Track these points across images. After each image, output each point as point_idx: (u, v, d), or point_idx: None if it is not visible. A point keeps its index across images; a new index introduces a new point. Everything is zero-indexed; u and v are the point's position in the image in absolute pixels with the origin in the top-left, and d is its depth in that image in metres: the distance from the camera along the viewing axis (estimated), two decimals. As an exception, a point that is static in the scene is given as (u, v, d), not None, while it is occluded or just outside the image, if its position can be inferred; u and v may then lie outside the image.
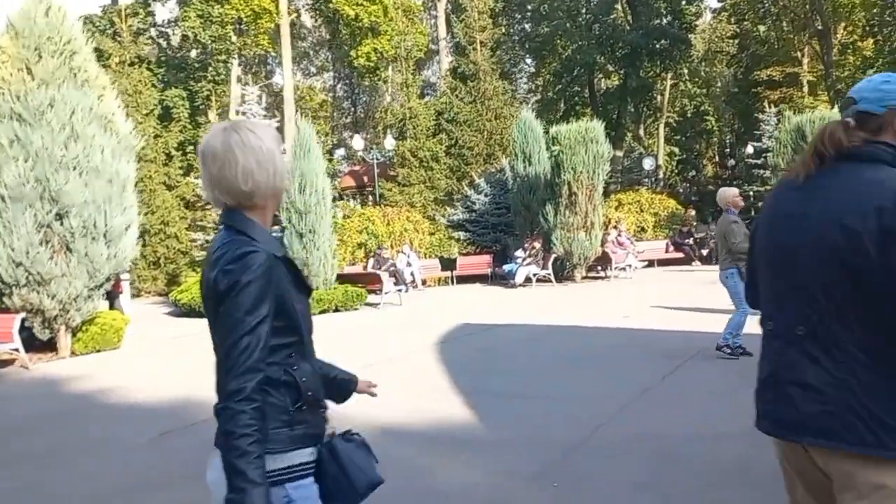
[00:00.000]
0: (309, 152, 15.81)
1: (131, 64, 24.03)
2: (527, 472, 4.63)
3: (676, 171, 39.89)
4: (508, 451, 5.08)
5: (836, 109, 20.07)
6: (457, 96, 25.01)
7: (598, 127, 17.33)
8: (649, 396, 6.26)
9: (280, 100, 31.02)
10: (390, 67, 33.53)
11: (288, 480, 1.76)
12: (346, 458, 1.84)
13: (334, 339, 11.20)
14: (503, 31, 29.97)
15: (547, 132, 18.50)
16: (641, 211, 22.74)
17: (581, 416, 5.85)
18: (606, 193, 19.93)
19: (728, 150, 39.98)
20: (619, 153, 32.41)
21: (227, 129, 1.82)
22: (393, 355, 9.38)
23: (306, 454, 1.81)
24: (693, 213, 24.45)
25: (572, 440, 5.23)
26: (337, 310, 15.04)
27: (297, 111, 28.67)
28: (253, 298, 1.67)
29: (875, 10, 25.08)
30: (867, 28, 26.11)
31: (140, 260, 19.82)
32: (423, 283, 19.34)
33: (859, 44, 27.21)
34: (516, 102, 26.86)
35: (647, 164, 28.57)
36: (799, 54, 30.58)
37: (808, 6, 27.10)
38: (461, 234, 21.32)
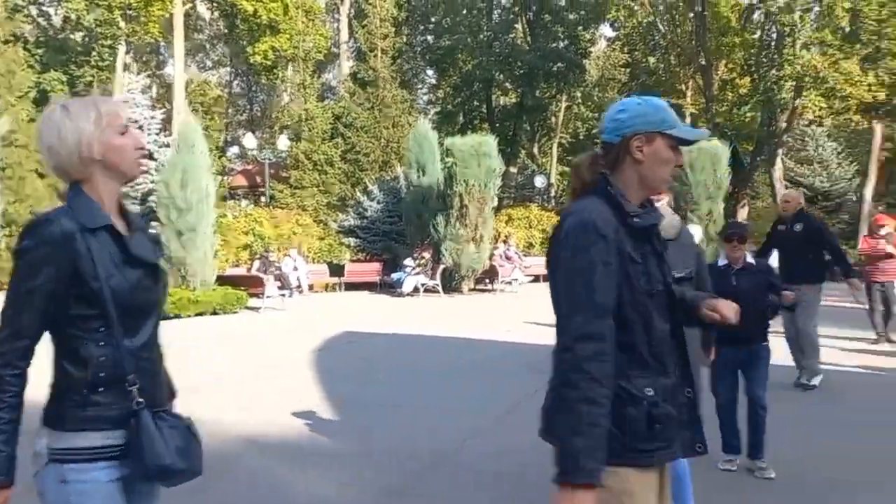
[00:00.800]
0: (193, 147, 15.19)
1: (5, 42, 22.32)
2: (384, 485, 4.53)
3: (565, 191, 41.13)
4: (370, 463, 4.97)
5: (714, 140, 21.31)
6: (355, 101, 24.77)
7: (491, 141, 17.58)
8: (520, 410, 6.30)
9: (171, 91, 29.75)
10: (290, 67, 32.88)
11: (68, 461, 1.69)
12: (147, 434, 1.71)
13: (208, 343, 10.72)
14: (405, 40, 30.00)
15: (442, 143, 18.60)
16: (530, 227, 23.24)
17: (450, 429, 5.80)
18: (497, 208, 20.23)
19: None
20: (513, 169, 33.08)
21: (46, 107, 1.83)
22: (269, 362, 9.07)
23: (94, 438, 1.71)
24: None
25: (437, 454, 5.17)
26: (215, 313, 14.44)
27: (189, 104, 27.56)
28: (28, 266, 1.68)
29: (752, 51, 26.76)
30: (745, 67, 27.82)
31: (3, 251, 18.36)
32: (310, 288, 18.94)
33: (737, 81, 28.96)
34: (415, 112, 26.88)
35: (539, 181, 29.28)
36: (683, 87, 32.24)
37: (693, 42, 28.63)
38: (352, 241, 21.07)
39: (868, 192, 26.56)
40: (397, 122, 24.18)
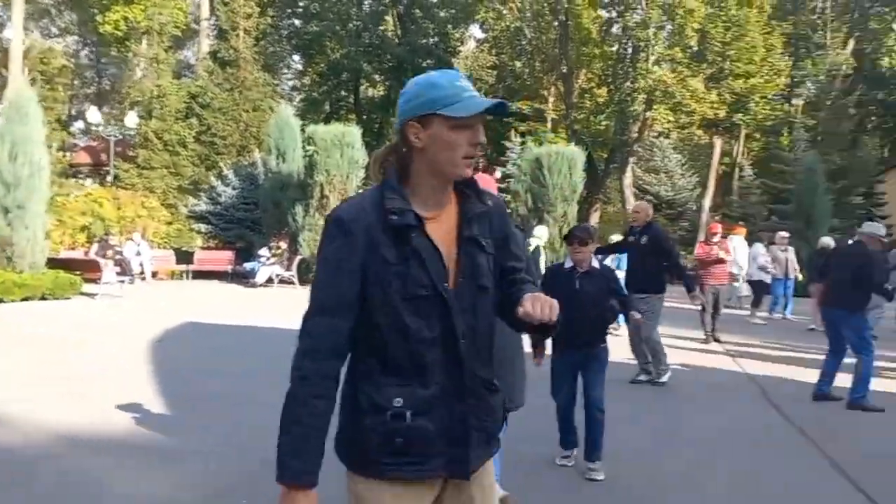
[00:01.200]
0: (26, 117, 13.84)
1: None
2: (218, 486, 4.19)
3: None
4: (205, 462, 4.60)
5: (572, 145, 22.10)
6: (213, 81, 23.56)
7: (355, 132, 17.27)
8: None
9: (8, 57, 27.00)
10: (144, 41, 30.82)
11: None
12: None
13: (31, 331, 9.72)
14: (270, 22, 28.95)
15: (304, 131, 18.05)
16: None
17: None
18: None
19: (482, 172, 42.32)
20: (378, 163, 32.81)
21: None
22: (99, 354, 8.31)
23: None
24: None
25: (268, 453, 4.85)
26: (44, 298, 13.21)
27: (27, 72, 25.14)
28: None
29: (610, 63, 28.09)
30: (602, 77, 29.17)
31: None
32: (154, 275, 17.78)
33: (595, 90, 30.29)
34: (277, 97, 25.99)
35: (403, 176, 29.13)
36: (546, 93, 33.34)
37: (557, 50, 29.65)
38: (203, 227, 20.00)
39: (707, 202, 28.60)
40: (258, 106, 23.24)
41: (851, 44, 35.46)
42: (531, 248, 10.62)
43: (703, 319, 10.54)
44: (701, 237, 28.01)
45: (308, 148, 17.02)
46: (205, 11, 30.62)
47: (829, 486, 4.66)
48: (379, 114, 33.19)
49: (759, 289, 13.43)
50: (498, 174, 26.96)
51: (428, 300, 1.67)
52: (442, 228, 1.72)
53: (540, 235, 10.96)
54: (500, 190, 24.83)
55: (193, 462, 4.61)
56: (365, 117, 32.40)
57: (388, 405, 1.66)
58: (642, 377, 7.53)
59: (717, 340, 10.64)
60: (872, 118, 42.03)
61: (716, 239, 10.55)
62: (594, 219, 29.85)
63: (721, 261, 10.44)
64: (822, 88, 31.22)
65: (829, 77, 31.06)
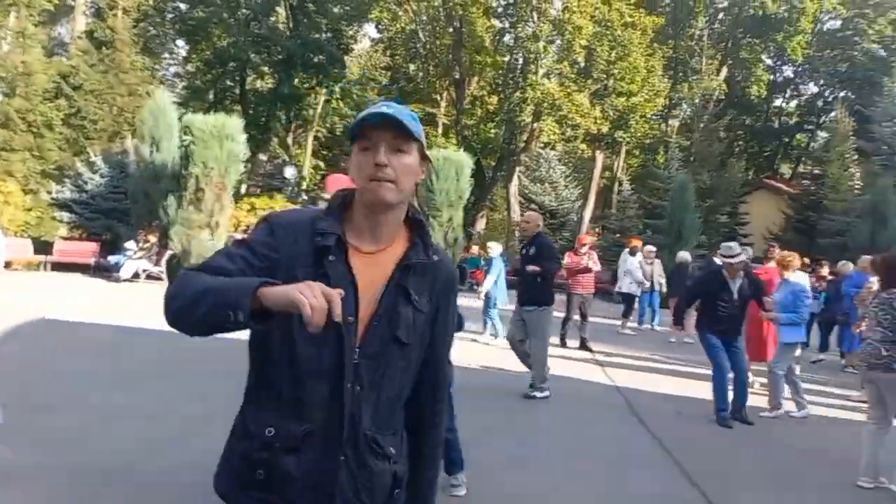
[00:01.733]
0: None
1: None
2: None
3: (320, 184, 40.72)
4: (44, 479, 4.14)
5: (460, 151, 22.21)
6: (87, 62, 22.06)
7: (236, 123, 16.55)
8: (221, 418, 5.72)
9: None
10: (11, 14, 28.47)
11: None
12: None
13: None
14: (153, 3, 27.47)
15: (181, 119, 17.13)
16: (275, 218, 22.33)
17: (138, 437, 5.06)
18: (239, 195, 19.16)
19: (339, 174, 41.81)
20: (263, 157, 31.86)
21: None
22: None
23: None
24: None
25: (122, 467, 4.44)
26: None
27: None
28: None
29: (501, 72, 28.51)
30: (493, 86, 29.59)
31: None
32: (7, 265, 16.34)
33: (486, 98, 30.68)
34: (157, 82, 24.66)
35: (289, 172, 28.42)
36: (439, 97, 33.49)
37: (450, 56, 29.82)
38: (66, 216, 18.62)
39: (587, 213, 29.55)
40: (134, 91, 21.97)
41: (724, 71, 37.78)
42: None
43: (563, 327, 10.90)
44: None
45: (185, 138, 16.15)
46: (81, -14, 28.67)
47: (684, 498, 4.76)
48: (266, 107, 32.15)
49: (629, 300, 13.91)
50: (290, 172, 26.64)
51: (324, 330, 1.51)
52: (375, 266, 1.61)
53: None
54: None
55: (34, 479, 4.14)
56: (251, 110, 31.29)
57: (261, 433, 1.55)
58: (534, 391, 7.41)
59: (588, 349, 10.91)
60: (740, 142, 45.00)
61: (584, 250, 11.01)
62: (480, 225, 30.23)
63: (588, 270, 10.91)
64: (696, 111, 33.04)
65: (703, 101, 32.91)
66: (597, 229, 30.55)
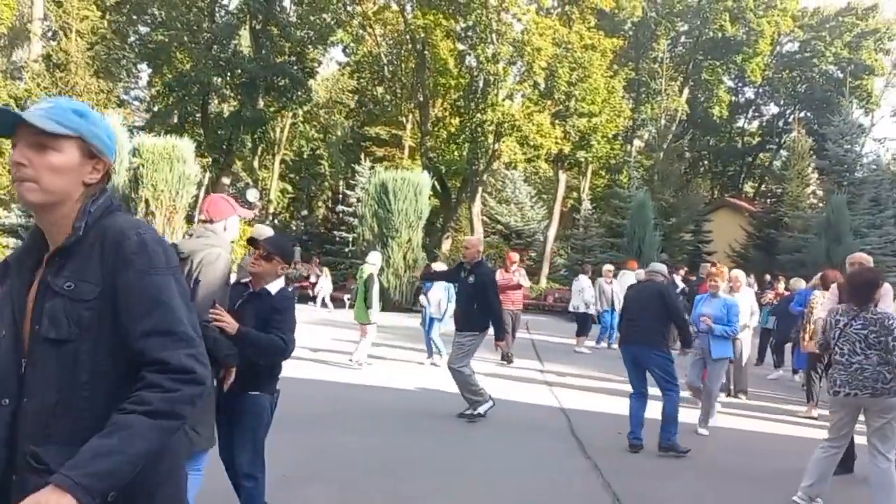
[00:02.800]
0: None
1: None
2: None
3: (289, 208, 40.42)
4: None
5: (419, 170, 22.14)
6: (39, 85, 21.71)
7: (186, 146, 16.36)
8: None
9: None
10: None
11: None
12: None
13: None
14: (110, 26, 27.19)
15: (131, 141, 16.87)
16: (233, 241, 22.02)
17: None
18: (191, 218, 18.83)
19: (340, 196, 41.88)
20: (226, 180, 31.54)
21: None
22: None
23: None
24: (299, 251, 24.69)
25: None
26: None
27: None
28: None
29: (462, 94, 28.51)
30: (455, 108, 29.58)
31: None
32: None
33: (449, 120, 30.66)
34: (113, 105, 24.33)
35: (252, 195, 28.07)
36: (404, 119, 33.47)
37: (414, 79, 29.85)
38: (12, 241, 18.16)
39: (552, 233, 29.58)
40: (88, 114, 21.58)
41: (686, 92, 38.33)
42: (365, 275, 10.34)
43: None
44: (545, 268, 28.99)
45: (133, 160, 15.86)
46: (38, 11, 28.32)
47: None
48: (229, 130, 31.90)
49: (583, 320, 13.83)
50: (252, 195, 26.05)
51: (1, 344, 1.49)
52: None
53: (374, 262, 10.69)
54: (350, 213, 24.50)
55: None
56: (214, 133, 31.02)
57: None
58: (472, 410, 7.27)
59: (509, 361, 11.18)
60: (705, 162, 45.58)
61: (514, 267, 11.44)
62: (446, 246, 30.10)
63: (518, 286, 11.37)
64: (659, 132, 33.39)
65: (667, 121, 33.31)
66: (559, 250, 30.60)
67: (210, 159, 32.37)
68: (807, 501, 4.86)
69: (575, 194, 35.65)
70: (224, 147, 31.57)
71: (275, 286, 3.71)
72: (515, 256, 11.86)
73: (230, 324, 3.32)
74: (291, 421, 5.17)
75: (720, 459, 6.39)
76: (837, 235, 20.15)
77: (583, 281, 14.04)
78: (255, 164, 37.31)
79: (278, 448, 4.18)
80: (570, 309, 14.69)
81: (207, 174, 32.76)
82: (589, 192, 33.84)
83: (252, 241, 3.83)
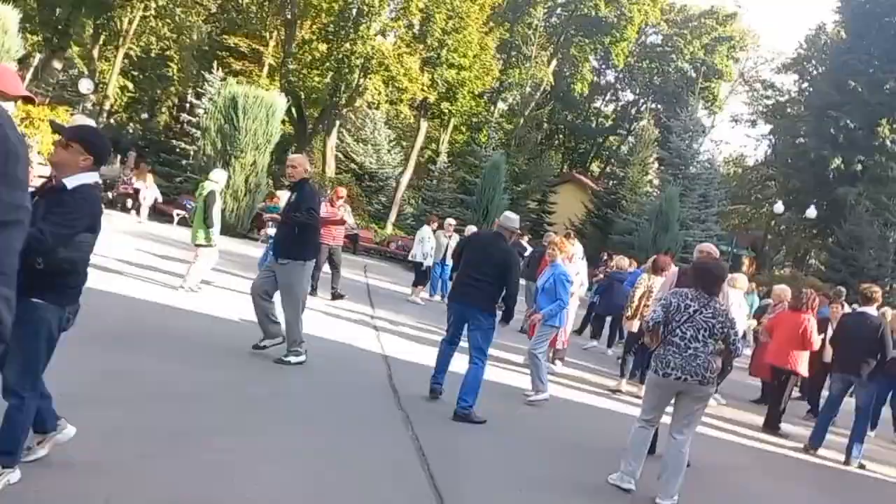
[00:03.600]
0: None
1: None
2: None
3: (128, 109, 37.31)
4: None
5: (274, 91, 20.94)
6: None
7: (10, 14, 14.30)
8: None
9: None
10: None
11: None
12: None
13: None
14: None
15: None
16: (54, 133, 19.85)
17: None
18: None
19: (188, 105, 38.98)
20: (58, 64, 28.33)
21: None
22: None
23: None
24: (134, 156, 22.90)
25: None
26: None
27: None
28: None
29: (333, 20, 27.15)
30: (324, 33, 28.16)
31: None
32: None
33: (316, 44, 29.17)
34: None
35: (84, 86, 25.35)
36: (268, 35, 31.55)
37: (285, -6, 28.11)
38: None
39: (405, 180, 29.32)
40: None
41: (554, 64, 39.14)
42: (206, 192, 9.50)
43: (314, 281, 10.67)
44: (393, 215, 28.78)
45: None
46: None
47: (406, 474, 4.42)
48: (67, 8, 28.52)
49: (419, 270, 13.76)
50: (85, 86, 23.71)
51: None
52: None
53: (217, 180, 9.87)
54: (193, 124, 22.81)
55: None
56: (47, 8, 27.61)
57: None
58: (267, 342, 6.75)
59: (339, 297, 11.11)
60: (560, 136, 47.13)
61: (340, 202, 11.45)
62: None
63: (343, 222, 11.33)
64: (523, 98, 33.90)
65: (531, 89, 33.84)
66: (412, 199, 30.47)
67: (41, 37, 28.90)
68: (628, 482, 4.92)
69: (434, 146, 35.53)
70: (60, 28, 28.22)
71: (74, 181, 3.23)
72: (343, 192, 11.83)
73: None
74: (85, 337, 4.54)
75: (530, 422, 6.45)
76: (666, 224, 21.47)
77: (425, 231, 13.91)
78: (95, 53, 33.80)
79: (64, 365, 3.62)
80: (409, 258, 14.58)
81: (37, 54, 29.29)
82: (448, 146, 33.84)
83: (54, 125, 3.49)
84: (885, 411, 9.06)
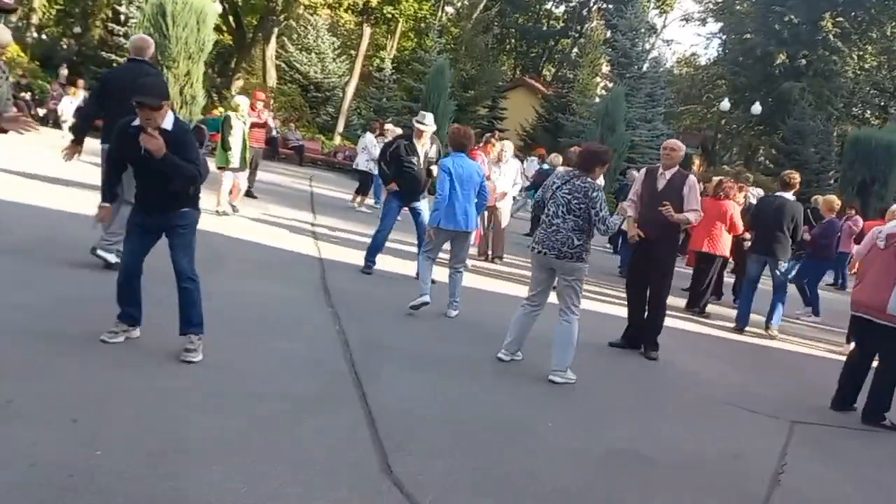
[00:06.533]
0: None
1: None
2: None
3: (60, 24, 35.50)
4: None
5: (214, 2, 19.93)
6: None
7: None
8: None
9: None
10: None
11: None
12: None
13: None
14: None
15: None
16: None
17: None
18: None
19: (123, 18, 36.92)
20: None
21: None
22: None
23: None
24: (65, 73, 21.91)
25: None
26: None
27: None
28: None
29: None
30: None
31: None
32: None
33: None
34: None
35: (4, -2, 23.81)
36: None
37: None
38: None
39: (350, 89, 28.65)
40: None
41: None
42: (222, 118, 10.50)
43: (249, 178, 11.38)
44: (341, 125, 28.27)
45: None
46: None
47: (328, 362, 4.57)
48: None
49: (365, 178, 13.68)
50: None
51: None
52: None
53: (234, 106, 10.37)
54: (120, 34, 21.78)
55: None
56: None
57: None
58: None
59: (252, 196, 11.70)
60: (511, 40, 46.17)
61: (260, 105, 11.89)
62: (237, 86, 28.10)
63: (265, 125, 11.82)
64: (471, 0, 32.96)
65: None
66: (356, 111, 29.87)
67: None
68: (508, 357, 5.23)
69: (382, 53, 34.58)
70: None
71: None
72: (262, 95, 12.44)
73: None
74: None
75: (463, 316, 6.58)
76: (612, 124, 21.50)
77: (368, 139, 13.76)
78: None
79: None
80: (353, 166, 14.48)
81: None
82: (396, 52, 32.98)
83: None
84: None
